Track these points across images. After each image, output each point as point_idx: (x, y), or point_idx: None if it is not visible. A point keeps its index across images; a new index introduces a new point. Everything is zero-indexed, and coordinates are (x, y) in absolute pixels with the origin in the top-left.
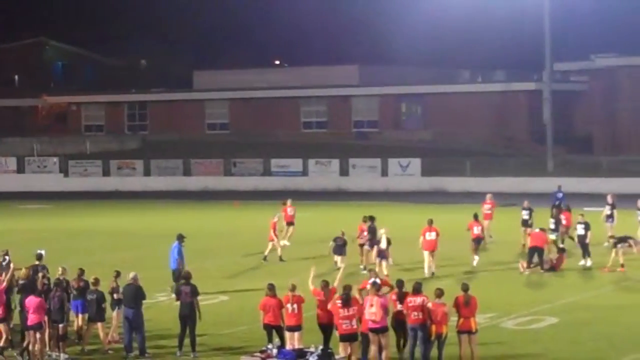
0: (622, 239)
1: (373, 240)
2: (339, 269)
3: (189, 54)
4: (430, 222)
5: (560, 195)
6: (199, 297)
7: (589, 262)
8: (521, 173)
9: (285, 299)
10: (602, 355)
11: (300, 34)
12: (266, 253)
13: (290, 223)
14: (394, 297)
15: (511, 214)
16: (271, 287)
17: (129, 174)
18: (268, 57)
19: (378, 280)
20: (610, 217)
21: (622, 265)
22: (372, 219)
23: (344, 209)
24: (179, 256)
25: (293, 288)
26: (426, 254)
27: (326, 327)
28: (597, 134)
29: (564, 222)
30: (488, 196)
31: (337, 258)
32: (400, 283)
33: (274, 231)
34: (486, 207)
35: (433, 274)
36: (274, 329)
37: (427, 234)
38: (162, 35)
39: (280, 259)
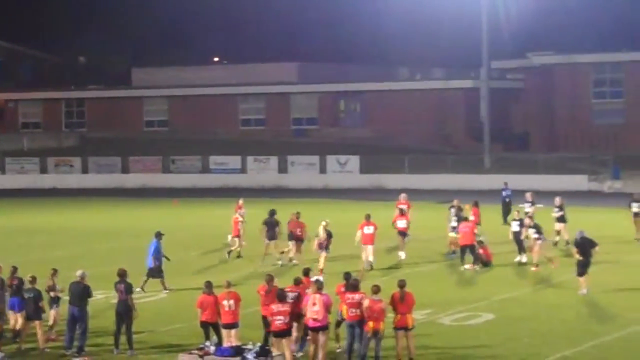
0: (537, 227)
1: (271, 233)
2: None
3: (127, 51)
4: (368, 216)
5: (508, 192)
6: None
7: (524, 259)
8: (459, 170)
9: (221, 296)
10: (538, 350)
11: (239, 32)
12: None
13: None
14: (342, 289)
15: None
16: (208, 285)
17: (66, 172)
18: (207, 55)
19: (321, 279)
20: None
21: (551, 259)
22: (272, 213)
23: (283, 206)
24: (156, 253)
25: (228, 285)
26: (364, 247)
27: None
28: (534, 132)
29: (472, 217)
30: (402, 196)
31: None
32: (347, 275)
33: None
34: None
35: (372, 267)
36: (212, 327)
37: (365, 227)
38: (100, 33)
39: (228, 254)
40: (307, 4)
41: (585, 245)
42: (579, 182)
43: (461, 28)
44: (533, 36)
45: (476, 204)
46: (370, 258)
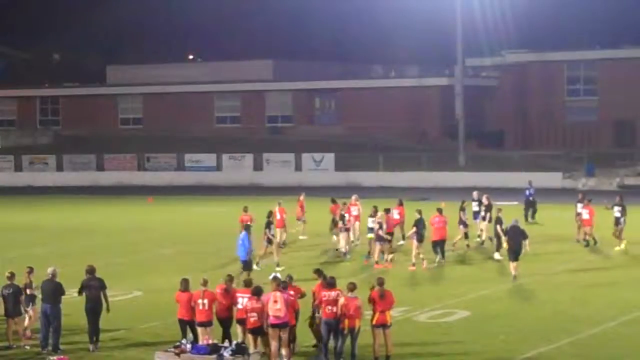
0: (418, 226)
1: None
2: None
3: (102, 48)
4: (343, 204)
5: (532, 191)
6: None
7: (498, 256)
8: (433, 167)
9: (196, 295)
10: (513, 347)
11: (214, 29)
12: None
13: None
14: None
15: (424, 208)
16: (183, 282)
17: (41, 169)
18: (181, 52)
19: (279, 275)
20: (478, 213)
21: (390, 262)
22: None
23: (258, 203)
24: (250, 246)
25: (204, 283)
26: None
27: (223, 321)
28: (508, 129)
29: (397, 216)
30: (353, 197)
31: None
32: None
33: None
34: (352, 209)
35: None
36: (188, 324)
37: None
38: (75, 30)
39: (343, 254)
40: (282, 2)
41: (512, 234)
42: (553, 179)
43: (435, 25)
44: (507, 34)
45: (401, 203)
46: (341, 244)
